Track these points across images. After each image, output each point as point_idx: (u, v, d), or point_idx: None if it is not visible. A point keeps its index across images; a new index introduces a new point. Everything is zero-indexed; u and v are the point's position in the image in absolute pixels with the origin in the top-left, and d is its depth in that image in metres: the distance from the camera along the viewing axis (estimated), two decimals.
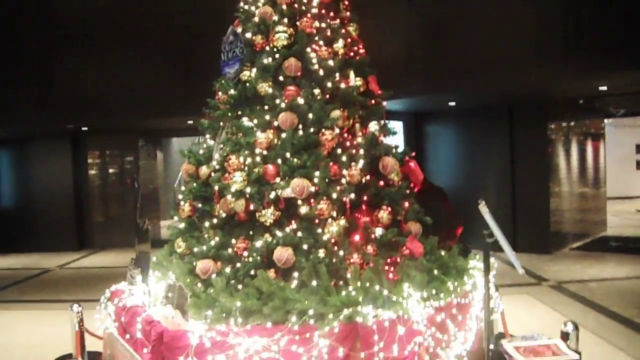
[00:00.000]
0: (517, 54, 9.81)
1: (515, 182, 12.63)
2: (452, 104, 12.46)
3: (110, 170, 16.30)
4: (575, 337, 4.78)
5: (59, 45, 13.03)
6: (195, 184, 5.30)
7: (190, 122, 12.13)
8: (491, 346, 4.20)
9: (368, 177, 4.97)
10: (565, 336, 4.79)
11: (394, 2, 10.99)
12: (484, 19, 10.15)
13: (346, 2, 5.69)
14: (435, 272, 4.66)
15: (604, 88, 10.80)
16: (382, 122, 5.33)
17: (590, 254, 12.00)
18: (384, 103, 5.48)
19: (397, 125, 13.23)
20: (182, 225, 5.32)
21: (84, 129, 14.91)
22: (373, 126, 5.14)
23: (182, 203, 5.35)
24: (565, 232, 13.06)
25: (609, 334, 6.56)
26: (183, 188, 5.39)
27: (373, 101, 5.37)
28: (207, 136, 5.53)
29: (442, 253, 5.05)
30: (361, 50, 5.54)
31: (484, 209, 4.09)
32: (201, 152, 5.46)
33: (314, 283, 4.29)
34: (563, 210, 13.08)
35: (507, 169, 12.68)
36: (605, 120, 16.53)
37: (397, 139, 5.57)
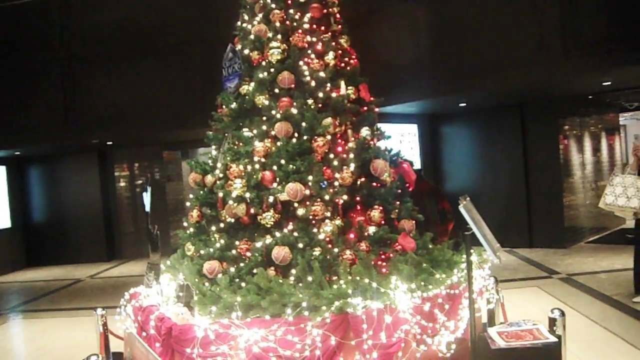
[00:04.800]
0: (519, 53, 9.97)
1: (528, 179, 12.79)
2: (463, 104, 12.67)
3: (138, 182, 16.73)
4: (561, 323, 5.04)
5: (82, 61, 13.45)
6: (202, 192, 5.72)
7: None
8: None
9: (363, 179, 5.32)
10: (552, 322, 5.05)
11: (405, 4, 11.19)
12: (486, 20, 10.34)
13: (337, 16, 6.04)
14: (424, 265, 4.98)
15: (608, 83, 10.94)
16: (375, 127, 5.66)
17: (605, 247, 12.09)
18: (376, 109, 5.80)
19: (411, 129, 13.52)
20: (191, 230, 5.72)
21: (109, 143, 15.36)
22: (364, 131, 5.48)
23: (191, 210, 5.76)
24: (580, 226, 13.18)
25: (610, 322, 6.74)
26: (191, 196, 5.78)
27: (365, 108, 5.71)
28: (213, 147, 5.94)
29: (435, 248, 5.35)
30: (352, 60, 5.90)
31: (464, 206, 4.35)
32: (207, 161, 5.88)
33: (309, 278, 4.65)
34: (578, 205, 13.21)
35: (520, 166, 12.85)
36: (625, 114, 16.55)
37: (392, 141, 5.92)
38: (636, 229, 7.80)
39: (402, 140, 13.24)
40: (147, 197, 6.29)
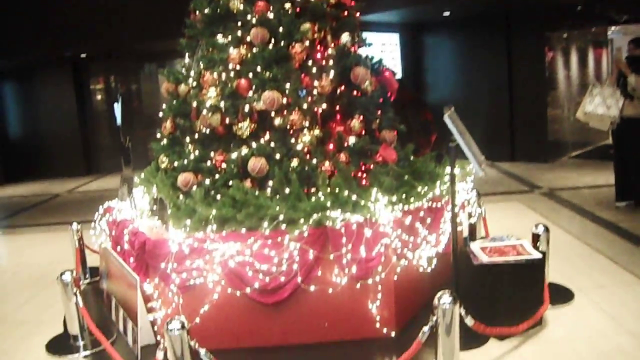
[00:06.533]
0: None
1: (512, 91, 12.62)
2: (447, 14, 12.34)
3: (115, 95, 16.37)
4: (545, 239, 4.96)
5: None
6: (175, 102, 5.46)
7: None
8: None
9: (343, 87, 5.08)
10: (535, 238, 4.97)
11: None
12: None
13: None
14: (406, 177, 4.82)
15: None
16: (355, 33, 5.38)
17: (588, 162, 12.07)
18: (357, 14, 5.51)
19: (393, 38, 13.20)
20: (164, 142, 5.51)
21: (82, 56, 14.94)
22: (345, 37, 5.20)
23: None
24: (564, 141, 13.12)
25: (591, 237, 6.71)
26: (164, 106, 5.53)
27: (345, 13, 5.41)
28: (186, 55, 5.65)
29: (417, 160, 5.18)
30: None
31: (449, 116, 4.17)
32: (181, 71, 5.60)
33: (286, 190, 4.48)
34: (562, 119, 13.10)
35: (505, 79, 12.65)
36: (612, 28, 16.25)
37: (373, 48, 5.66)
38: (614, 139, 7.97)
39: (384, 50, 12.96)
40: (118, 110, 6.05)
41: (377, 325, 4.37)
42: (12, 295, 6.25)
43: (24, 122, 16.40)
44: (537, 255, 4.49)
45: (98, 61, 15.78)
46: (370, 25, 11.84)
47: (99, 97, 16.37)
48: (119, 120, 6.03)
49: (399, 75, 6.16)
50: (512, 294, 4.36)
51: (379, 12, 11.06)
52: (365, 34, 5.63)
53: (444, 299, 3.52)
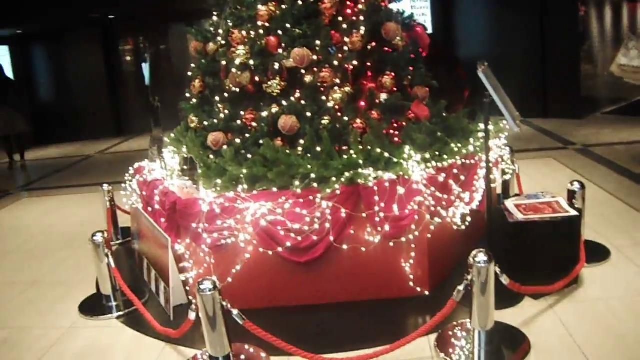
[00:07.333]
0: None
1: (545, 46, 12.33)
2: None
3: (143, 57, 16.38)
4: (581, 196, 4.84)
5: None
6: (203, 60, 5.40)
7: None
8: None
9: (374, 43, 4.98)
10: (571, 195, 4.86)
11: None
12: None
13: None
14: (439, 134, 4.73)
15: None
16: None
17: (622, 118, 11.79)
18: None
19: None
20: (194, 101, 5.46)
21: (111, 17, 14.91)
22: None
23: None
24: (597, 96, 12.84)
25: (628, 194, 6.57)
26: (192, 66, 5.48)
27: None
28: (214, 13, 5.57)
29: (450, 116, 5.08)
30: None
31: (483, 71, 4.05)
32: (209, 29, 5.53)
33: (318, 148, 4.42)
34: (597, 74, 12.80)
35: (537, 33, 12.36)
36: None
37: (403, 5, 5.53)
38: None
39: (414, 6, 12.74)
40: (146, 70, 6.02)
41: (411, 283, 4.34)
42: (45, 257, 6.32)
43: (54, 84, 16.50)
44: (573, 212, 4.40)
45: (126, 22, 15.70)
46: None
47: (127, 58, 16.35)
48: (147, 80, 6.00)
49: (429, 32, 6.02)
50: (547, 252, 4.29)
51: None
52: None
53: (479, 257, 3.46)
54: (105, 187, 6.41)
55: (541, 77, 12.43)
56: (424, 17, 13.05)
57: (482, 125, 5.04)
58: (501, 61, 12.08)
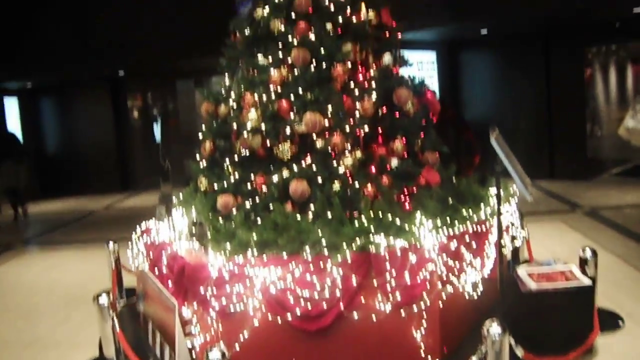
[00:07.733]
0: None
1: (551, 108, 12.43)
2: (484, 32, 12.22)
3: (152, 112, 16.50)
4: (593, 264, 4.80)
5: None
6: (214, 123, 5.42)
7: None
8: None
9: (385, 109, 5.00)
10: (583, 262, 4.81)
11: None
12: None
13: None
14: (450, 200, 4.70)
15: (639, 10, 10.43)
16: (397, 53, 5.30)
17: (629, 180, 11.79)
18: (399, 34, 5.43)
19: (430, 56, 13.12)
20: (204, 163, 5.46)
21: (121, 73, 15.09)
22: (387, 58, 5.13)
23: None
24: (604, 158, 12.86)
25: (638, 259, 6.51)
26: (203, 127, 5.49)
27: (387, 33, 5.34)
28: (226, 75, 5.62)
29: (461, 182, 5.06)
30: None
31: (495, 138, 4.06)
32: (220, 90, 5.57)
33: (328, 214, 4.38)
34: (603, 136, 12.85)
35: (543, 96, 12.48)
36: None
37: (414, 70, 5.57)
38: None
39: (421, 69, 12.88)
40: (157, 130, 6.05)
41: (422, 353, 4.24)
42: (46, 315, 6.24)
43: (62, 138, 16.63)
44: (586, 281, 4.35)
45: (135, 78, 15.89)
46: (407, 43, 11.76)
47: (135, 113, 16.48)
48: (158, 139, 6.02)
49: (437, 95, 6.05)
50: (561, 321, 4.23)
51: (418, 30, 11.00)
52: (404, 53, 5.55)
53: (494, 328, 3.39)
54: (111, 245, 6.35)
55: (548, 138, 12.48)
56: (431, 78, 13.18)
57: (492, 190, 5.03)
58: (507, 122, 12.21)
